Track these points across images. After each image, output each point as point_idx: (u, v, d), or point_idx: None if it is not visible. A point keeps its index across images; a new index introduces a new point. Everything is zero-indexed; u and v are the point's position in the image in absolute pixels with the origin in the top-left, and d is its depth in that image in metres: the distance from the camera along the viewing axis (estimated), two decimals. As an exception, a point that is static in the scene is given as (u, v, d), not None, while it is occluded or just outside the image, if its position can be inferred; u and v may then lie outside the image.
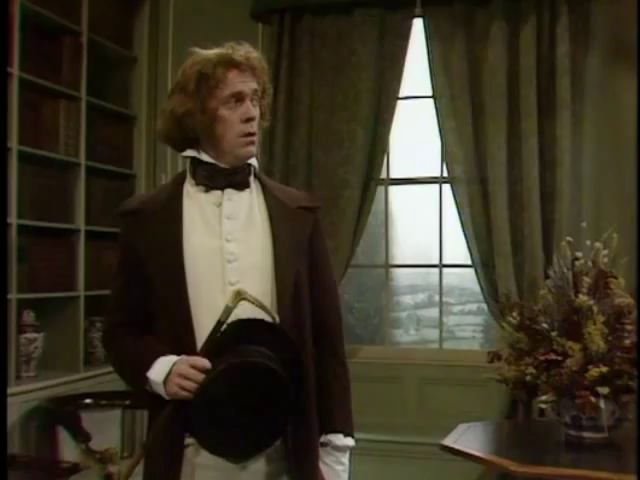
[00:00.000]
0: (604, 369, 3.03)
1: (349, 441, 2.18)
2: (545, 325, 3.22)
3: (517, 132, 4.32)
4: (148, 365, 2.04)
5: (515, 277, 4.27)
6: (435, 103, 4.53)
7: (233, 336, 1.98)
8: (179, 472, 2.03)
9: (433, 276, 4.87)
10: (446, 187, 4.58)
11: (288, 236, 2.14)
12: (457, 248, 4.60)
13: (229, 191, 2.16)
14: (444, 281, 4.79)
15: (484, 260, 4.37)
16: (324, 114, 4.67)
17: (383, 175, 4.75)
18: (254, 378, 1.95)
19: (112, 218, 2.30)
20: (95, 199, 4.50)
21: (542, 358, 3.14)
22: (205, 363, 1.97)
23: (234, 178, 2.16)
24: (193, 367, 1.97)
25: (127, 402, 4.01)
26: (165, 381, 2.00)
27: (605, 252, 3.29)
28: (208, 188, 2.15)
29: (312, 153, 4.64)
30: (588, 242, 3.35)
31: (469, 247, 4.42)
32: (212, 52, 2.16)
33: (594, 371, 3.03)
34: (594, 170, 4.31)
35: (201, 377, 1.95)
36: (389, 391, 4.65)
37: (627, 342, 3.15)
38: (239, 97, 2.12)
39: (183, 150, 2.21)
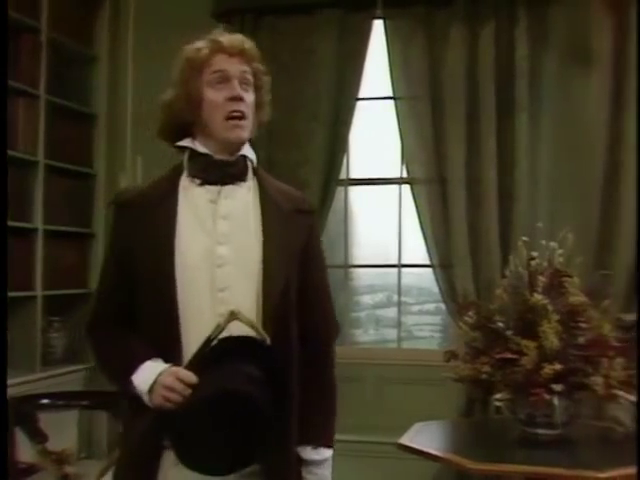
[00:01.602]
0: (558, 367, 3.08)
1: (318, 454, 2.12)
2: (501, 324, 3.25)
3: (476, 133, 4.38)
4: (134, 367, 1.99)
5: (473, 277, 4.32)
6: (395, 104, 4.56)
7: (221, 353, 1.94)
8: (156, 475, 2.00)
9: (392, 276, 4.90)
10: (406, 188, 4.62)
11: (279, 242, 2.08)
12: (416, 248, 4.63)
13: (226, 188, 2.09)
14: (403, 281, 4.83)
15: (442, 260, 4.42)
16: (284, 114, 4.66)
17: (343, 175, 4.77)
18: (236, 404, 1.91)
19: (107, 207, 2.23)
20: (54, 198, 4.46)
21: (497, 357, 3.17)
22: (192, 378, 1.93)
23: (229, 170, 2.10)
24: (179, 380, 1.93)
25: (84, 403, 3.97)
26: (150, 390, 1.96)
27: (560, 252, 3.34)
28: (203, 182, 2.09)
29: (272, 153, 4.64)
30: (544, 242, 3.40)
31: (428, 247, 4.46)
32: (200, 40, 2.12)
33: (548, 369, 3.07)
34: (551, 171, 4.37)
35: (187, 391, 1.92)
36: (348, 391, 4.58)
37: (581, 340, 3.21)
38: (225, 77, 2.06)
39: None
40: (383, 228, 4.85)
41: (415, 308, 5.28)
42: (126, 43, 4.97)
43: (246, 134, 2.10)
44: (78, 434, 4.09)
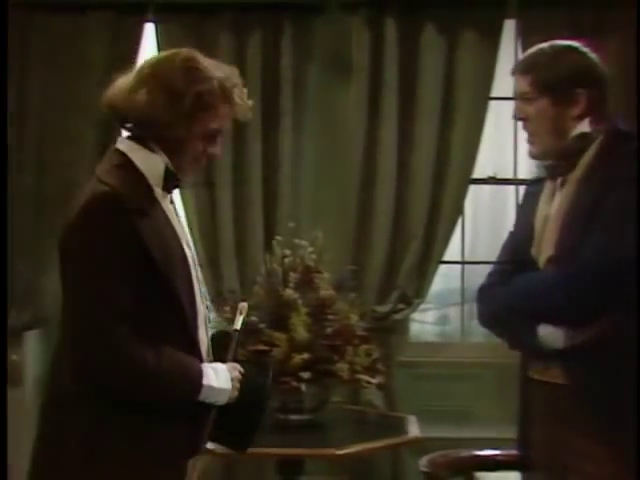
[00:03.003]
0: (306, 356, 3.33)
1: None
2: (255, 318, 3.45)
3: (243, 137, 4.53)
4: (197, 373, 2.08)
5: (239, 276, 4.49)
6: (164, 108, 4.65)
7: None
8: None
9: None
10: (176, 191, 4.70)
11: None
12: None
13: (171, 197, 2.22)
14: (177, 280, 4.92)
15: (210, 260, 4.55)
16: (56, 114, 4.65)
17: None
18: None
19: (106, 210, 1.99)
20: None
21: (250, 349, 3.37)
22: (241, 369, 2.21)
23: (176, 184, 2.21)
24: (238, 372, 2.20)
25: None
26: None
27: (311, 250, 3.59)
28: (166, 190, 2.17)
29: (42, 152, 4.62)
30: (297, 240, 3.64)
31: (196, 248, 4.56)
32: (215, 74, 2.17)
33: (297, 358, 3.32)
34: (313, 173, 4.62)
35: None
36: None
37: (329, 330, 3.48)
38: (218, 133, 2.19)
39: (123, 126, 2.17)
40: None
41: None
42: None
43: None
44: None
